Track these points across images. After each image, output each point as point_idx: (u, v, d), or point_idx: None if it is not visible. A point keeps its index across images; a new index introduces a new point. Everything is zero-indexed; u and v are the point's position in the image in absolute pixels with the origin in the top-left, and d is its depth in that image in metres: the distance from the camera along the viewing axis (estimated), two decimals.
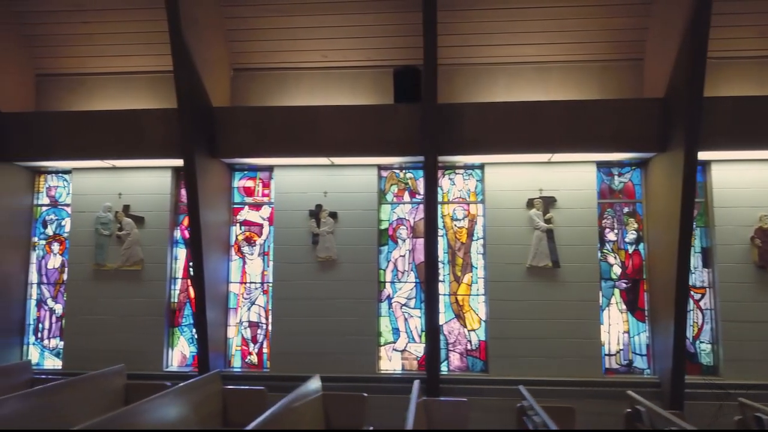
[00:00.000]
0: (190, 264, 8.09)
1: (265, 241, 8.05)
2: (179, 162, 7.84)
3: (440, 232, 7.65)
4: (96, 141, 7.63)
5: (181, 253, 8.12)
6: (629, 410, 5.56)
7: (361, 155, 7.41)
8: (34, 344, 8.15)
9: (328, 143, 7.36)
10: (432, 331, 6.94)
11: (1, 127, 7.65)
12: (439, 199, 7.61)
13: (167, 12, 6.66)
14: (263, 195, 8.15)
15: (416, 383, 5.68)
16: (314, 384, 5.67)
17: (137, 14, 7.86)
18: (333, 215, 7.78)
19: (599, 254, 7.54)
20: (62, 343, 8.06)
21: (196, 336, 7.96)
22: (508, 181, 7.65)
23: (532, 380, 7.11)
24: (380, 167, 7.90)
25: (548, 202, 7.55)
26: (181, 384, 5.15)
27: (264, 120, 7.45)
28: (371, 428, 5.73)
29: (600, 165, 7.68)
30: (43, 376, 6.49)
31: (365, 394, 5.90)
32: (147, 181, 8.06)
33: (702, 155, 6.93)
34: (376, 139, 7.31)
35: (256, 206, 8.12)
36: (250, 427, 3.78)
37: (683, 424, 4.47)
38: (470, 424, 5.72)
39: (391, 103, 7.76)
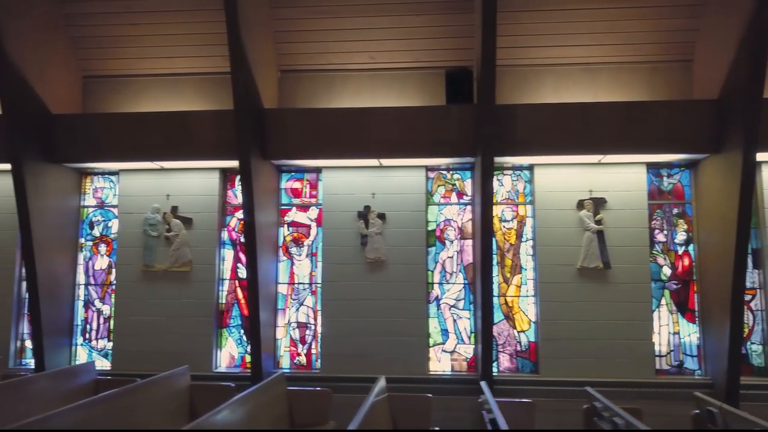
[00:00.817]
0: (238, 265, 8.11)
1: (312, 242, 8.06)
2: (227, 163, 7.88)
3: None
4: (145, 142, 7.64)
5: (228, 254, 8.14)
6: (697, 411, 5.56)
7: (412, 156, 7.41)
8: (82, 345, 8.17)
9: (379, 144, 7.37)
10: (486, 332, 6.94)
11: (50, 128, 7.66)
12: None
13: (226, 14, 6.67)
14: (310, 196, 8.16)
15: (484, 384, 5.68)
16: (381, 385, 5.67)
17: (185, 16, 7.88)
18: (381, 216, 7.79)
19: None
20: (110, 344, 8.09)
21: (245, 337, 7.99)
22: (558, 182, 7.65)
23: (583, 381, 7.09)
24: (428, 168, 7.91)
25: (598, 203, 7.56)
26: (254, 387, 5.14)
27: (314, 121, 7.46)
28: (437, 429, 5.73)
29: (649, 166, 7.68)
30: (108, 377, 6.49)
31: (430, 395, 5.90)
32: (195, 182, 8.08)
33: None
34: (428, 141, 7.32)
35: (304, 207, 8.14)
36: (352, 427, 3.78)
37: (765, 424, 4.47)
38: (536, 426, 5.72)
39: (440, 104, 7.78)
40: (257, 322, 7.23)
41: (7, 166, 7.84)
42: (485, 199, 6.76)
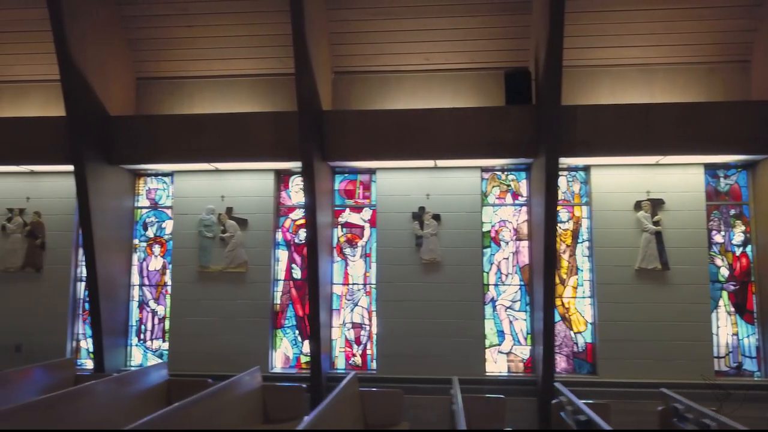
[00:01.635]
0: (292, 266, 8.14)
1: (366, 242, 8.08)
2: (281, 164, 7.91)
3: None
4: (201, 144, 7.67)
5: (282, 255, 8.17)
6: None
7: (470, 157, 7.42)
8: (137, 345, 8.21)
9: (438, 145, 7.37)
10: (548, 333, 6.94)
11: (109, 130, 7.71)
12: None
13: (292, 16, 6.69)
14: (363, 197, 8.18)
15: (560, 385, 5.68)
16: (456, 386, 5.69)
17: (240, 18, 7.91)
18: (436, 217, 7.80)
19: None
20: (164, 344, 8.13)
21: (300, 338, 8.02)
22: (615, 183, 7.64)
23: (644, 383, 7.12)
24: (482, 169, 7.91)
25: (656, 204, 7.54)
26: (338, 389, 5.14)
27: (373, 123, 7.46)
28: (509, 429, 5.74)
29: (707, 167, 7.66)
30: (179, 378, 6.51)
31: (503, 396, 5.91)
32: (249, 183, 8.11)
33: None
34: (486, 141, 7.31)
35: (357, 209, 8.15)
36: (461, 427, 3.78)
37: None
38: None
39: (495, 105, 7.78)
40: (317, 323, 7.25)
41: (64, 167, 7.96)
42: (550, 200, 6.76)
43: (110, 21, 7.81)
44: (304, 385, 6.33)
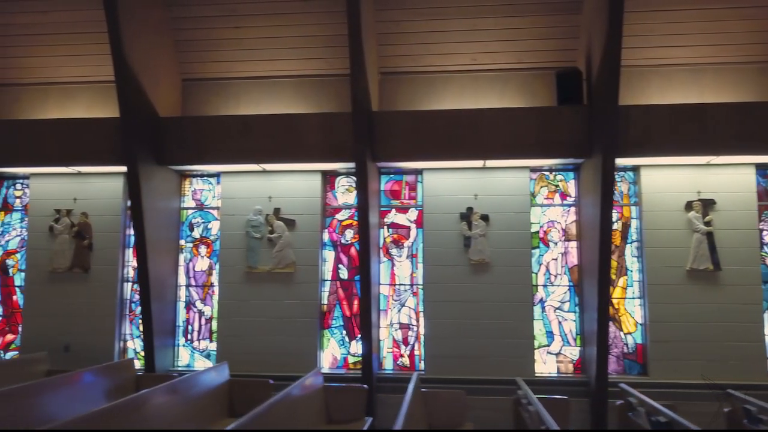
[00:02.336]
0: (339, 266, 8.15)
1: (413, 243, 8.08)
2: (327, 165, 7.92)
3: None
4: (249, 145, 7.68)
5: (329, 255, 8.17)
6: None
7: (521, 157, 7.40)
8: (184, 346, 8.24)
9: (487, 145, 7.36)
10: (602, 334, 6.91)
11: (159, 131, 7.74)
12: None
13: (348, 18, 6.71)
14: (409, 198, 8.18)
15: (626, 386, 5.67)
16: (524, 386, 5.68)
17: (287, 19, 7.92)
18: (485, 218, 7.79)
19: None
20: (211, 344, 8.15)
21: (347, 338, 8.03)
22: (665, 184, 7.61)
23: (693, 384, 7.09)
24: (531, 169, 7.90)
25: (707, 205, 7.51)
26: (409, 390, 5.14)
27: (421, 123, 7.45)
28: (572, 429, 5.72)
29: (758, 167, 7.62)
30: (240, 379, 6.52)
31: (568, 398, 5.89)
32: (297, 184, 8.12)
33: None
34: (536, 141, 7.30)
35: (403, 209, 8.15)
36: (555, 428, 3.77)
37: None
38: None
39: (544, 105, 7.77)
40: (369, 323, 7.26)
41: (111, 168, 8.01)
42: (605, 201, 6.73)
43: (160, 22, 7.84)
44: (365, 386, 6.32)
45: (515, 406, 5.94)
